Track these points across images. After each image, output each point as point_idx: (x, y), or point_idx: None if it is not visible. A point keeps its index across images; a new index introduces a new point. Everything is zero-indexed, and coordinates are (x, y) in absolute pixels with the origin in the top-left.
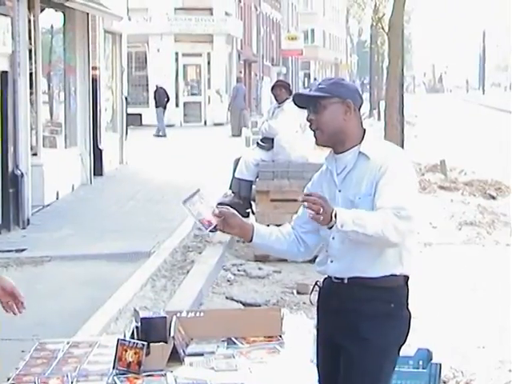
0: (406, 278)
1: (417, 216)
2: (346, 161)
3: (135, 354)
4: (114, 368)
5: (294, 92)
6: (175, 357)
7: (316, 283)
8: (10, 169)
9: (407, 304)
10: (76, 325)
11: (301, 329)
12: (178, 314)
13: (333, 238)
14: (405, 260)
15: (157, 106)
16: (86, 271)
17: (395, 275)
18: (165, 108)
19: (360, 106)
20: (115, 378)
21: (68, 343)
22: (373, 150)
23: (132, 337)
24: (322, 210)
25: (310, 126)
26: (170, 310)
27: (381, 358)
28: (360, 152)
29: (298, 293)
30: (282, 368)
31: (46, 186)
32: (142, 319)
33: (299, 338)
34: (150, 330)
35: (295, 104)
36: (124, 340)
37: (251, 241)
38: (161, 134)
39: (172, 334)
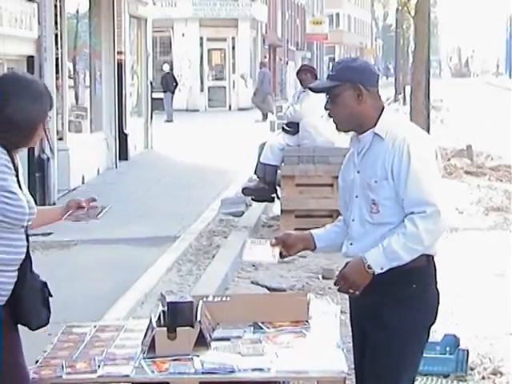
0: (430, 256)
1: (443, 204)
2: (364, 142)
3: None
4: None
5: (318, 76)
6: (202, 341)
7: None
8: (36, 153)
9: (434, 283)
10: (102, 309)
11: (327, 313)
12: (205, 299)
13: (353, 220)
14: None
15: (164, 91)
16: (111, 255)
17: (427, 255)
18: (173, 93)
19: (375, 82)
20: (142, 361)
21: (95, 327)
22: (388, 130)
23: (158, 321)
24: (352, 288)
25: (329, 114)
26: (197, 295)
27: (405, 341)
28: (375, 133)
29: (324, 278)
30: (308, 352)
31: (71, 170)
32: (169, 303)
33: (325, 323)
34: (177, 315)
35: (312, 91)
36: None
37: (315, 248)
38: (169, 118)
39: (198, 319)
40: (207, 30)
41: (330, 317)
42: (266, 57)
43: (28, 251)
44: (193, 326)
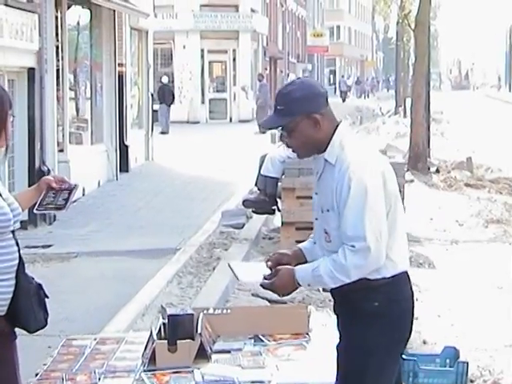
0: (395, 276)
1: (377, 237)
2: (319, 165)
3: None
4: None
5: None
6: (202, 354)
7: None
8: (36, 165)
9: (402, 299)
10: (102, 321)
11: (327, 326)
12: (205, 311)
13: (314, 243)
14: (381, 266)
15: (160, 103)
16: (112, 267)
17: (369, 279)
18: (169, 105)
19: (326, 101)
20: (142, 374)
21: (95, 339)
22: (337, 155)
23: (159, 333)
24: (280, 295)
25: (287, 145)
26: (197, 307)
27: (363, 359)
28: (325, 159)
29: (324, 290)
30: (308, 365)
31: (72, 181)
32: (170, 316)
33: (326, 335)
34: (177, 327)
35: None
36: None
37: (306, 262)
38: (164, 130)
39: (199, 331)
40: (208, 42)
41: (330, 329)
42: (266, 69)
43: (20, 255)
44: (193, 339)
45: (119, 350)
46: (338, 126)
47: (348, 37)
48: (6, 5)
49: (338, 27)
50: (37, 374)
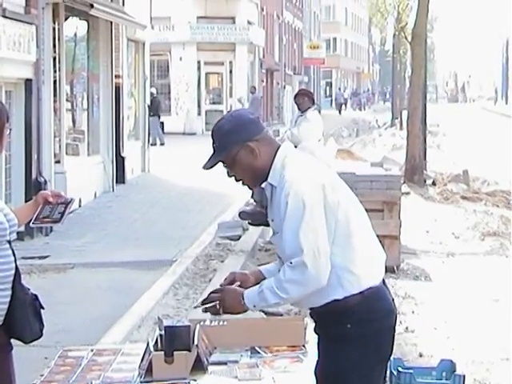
0: (365, 292)
1: (315, 252)
2: (267, 190)
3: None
4: (31, 223)
5: (316, 100)
6: (199, 365)
7: (310, 314)
8: (33, 176)
9: (376, 319)
10: (99, 332)
11: None
12: (202, 323)
13: (279, 270)
14: (344, 281)
15: (152, 115)
16: (108, 278)
17: (338, 300)
18: (159, 117)
19: (259, 127)
20: None
21: (92, 351)
22: (279, 176)
23: (156, 345)
24: (220, 309)
25: (235, 179)
26: (194, 319)
27: (339, 382)
28: (269, 183)
29: None
30: (305, 377)
31: (68, 193)
32: (166, 327)
33: None
34: (174, 339)
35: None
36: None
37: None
38: (159, 142)
39: (196, 343)
40: (205, 53)
41: None
42: (263, 81)
43: (16, 265)
44: (190, 350)
45: (116, 362)
46: (278, 148)
47: (344, 49)
48: (4, 16)
49: (335, 39)
50: None
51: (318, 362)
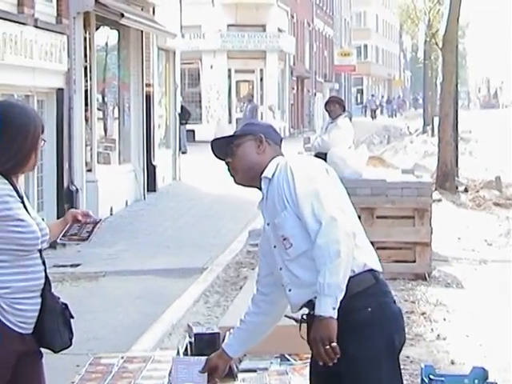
0: (375, 272)
1: (337, 209)
2: (263, 193)
3: (91, 227)
4: (58, 239)
5: (346, 107)
6: (228, 373)
7: (302, 317)
8: (65, 185)
9: (390, 300)
10: (130, 339)
11: None
12: (231, 330)
13: (280, 269)
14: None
15: (181, 124)
16: (139, 286)
17: (352, 277)
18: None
19: (278, 141)
20: None
21: (122, 358)
22: (276, 169)
23: (186, 352)
24: (327, 345)
25: (228, 170)
26: (224, 326)
27: (373, 369)
28: (264, 177)
29: None
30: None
31: (100, 201)
32: (196, 335)
33: None
34: (204, 346)
35: (214, 155)
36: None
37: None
38: (183, 150)
39: None
40: (235, 61)
41: None
42: (293, 88)
43: (46, 274)
44: None
45: (146, 369)
46: (279, 155)
47: (375, 56)
48: (36, 26)
49: (366, 46)
50: None
51: (344, 360)
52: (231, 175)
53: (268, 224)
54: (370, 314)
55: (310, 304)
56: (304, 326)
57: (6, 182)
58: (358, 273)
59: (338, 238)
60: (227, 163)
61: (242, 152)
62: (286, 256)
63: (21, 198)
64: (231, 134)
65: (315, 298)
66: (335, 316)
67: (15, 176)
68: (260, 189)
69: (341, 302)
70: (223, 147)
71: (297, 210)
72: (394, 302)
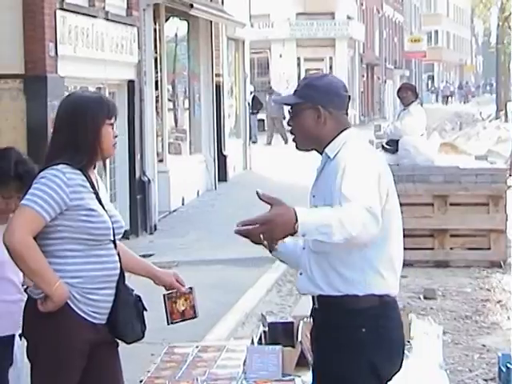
0: (383, 297)
1: (375, 202)
2: (321, 162)
3: (185, 300)
4: (168, 323)
5: (419, 94)
6: (303, 362)
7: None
8: (137, 175)
9: (392, 327)
10: (203, 329)
11: (429, 334)
12: (305, 319)
13: (303, 248)
14: (371, 278)
15: (252, 113)
16: (212, 276)
17: (357, 296)
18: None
19: (341, 105)
20: (244, 382)
21: (197, 347)
22: (338, 150)
23: (260, 341)
24: (262, 235)
25: (290, 131)
26: (297, 315)
27: None
28: (325, 153)
29: (425, 298)
30: (410, 373)
31: (171, 191)
32: (270, 324)
33: (427, 343)
34: (278, 335)
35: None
36: (169, 294)
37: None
38: (253, 140)
39: (299, 339)
40: (304, 50)
41: (432, 337)
42: (363, 76)
43: (121, 267)
44: (294, 347)
45: (221, 358)
46: (346, 129)
47: (446, 41)
48: (107, 19)
49: (436, 32)
50: (141, 381)
51: (319, 364)
52: (293, 140)
53: (314, 196)
54: (362, 335)
55: (313, 299)
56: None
57: (79, 172)
58: (365, 294)
59: (367, 225)
60: (288, 125)
61: (301, 122)
62: (310, 243)
63: (95, 190)
64: (293, 94)
65: (318, 296)
66: (297, 229)
67: (90, 169)
68: (321, 154)
69: (337, 316)
70: (283, 104)
71: (333, 195)
72: (401, 328)
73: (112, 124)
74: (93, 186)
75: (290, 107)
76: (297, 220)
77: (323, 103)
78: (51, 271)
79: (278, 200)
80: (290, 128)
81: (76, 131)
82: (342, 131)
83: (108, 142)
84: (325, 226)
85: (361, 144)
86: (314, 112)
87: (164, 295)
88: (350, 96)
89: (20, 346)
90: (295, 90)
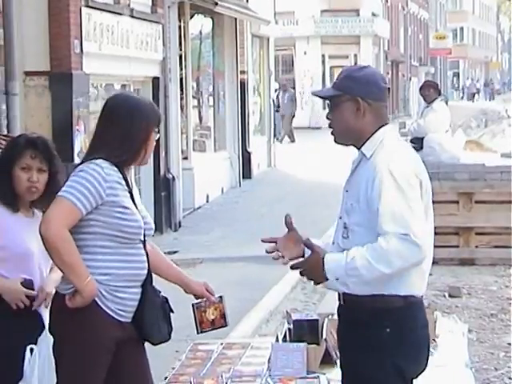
0: (409, 297)
1: (421, 235)
2: (356, 160)
3: (215, 309)
4: (198, 332)
5: (442, 91)
6: (328, 359)
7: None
8: (161, 172)
9: (417, 328)
10: (228, 326)
11: (454, 332)
12: (330, 317)
13: (333, 243)
14: (398, 279)
15: (277, 111)
16: (237, 273)
17: (383, 296)
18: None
19: (381, 97)
20: (269, 379)
21: (221, 344)
22: (375, 150)
23: (284, 339)
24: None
25: (329, 125)
26: (322, 313)
27: None
28: (362, 152)
29: (450, 296)
30: (436, 371)
31: (196, 189)
32: (295, 321)
33: (453, 342)
34: (303, 332)
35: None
36: (197, 303)
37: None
38: (280, 138)
39: (324, 337)
40: (329, 47)
41: (457, 335)
42: (388, 73)
43: (149, 267)
44: (319, 344)
45: (245, 355)
46: (383, 125)
47: (472, 38)
48: (132, 16)
49: (462, 29)
50: (166, 378)
51: (345, 363)
52: (332, 133)
53: (347, 191)
54: (386, 336)
55: (339, 296)
56: None
57: (116, 169)
58: (390, 294)
59: (406, 257)
60: (327, 118)
61: (340, 114)
62: (340, 240)
63: (129, 188)
64: (332, 87)
65: (344, 293)
66: (325, 280)
67: (127, 168)
68: (359, 149)
69: (362, 315)
70: (322, 97)
71: (371, 212)
72: (426, 327)
73: (156, 134)
74: (128, 185)
75: (328, 100)
76: (324, 269)
77: (362, 94)
78: (84, 266)
79: (299, 236)
80: (328, 122)
81: (129, 130)
82: (379, 128)
83: (151, 149)
84: (352, 268)
85: (397, 144)
86: (353, 104)
87: (193, 305)
88: (389, 88)
89: (31, 362)
90: (334, 83)
